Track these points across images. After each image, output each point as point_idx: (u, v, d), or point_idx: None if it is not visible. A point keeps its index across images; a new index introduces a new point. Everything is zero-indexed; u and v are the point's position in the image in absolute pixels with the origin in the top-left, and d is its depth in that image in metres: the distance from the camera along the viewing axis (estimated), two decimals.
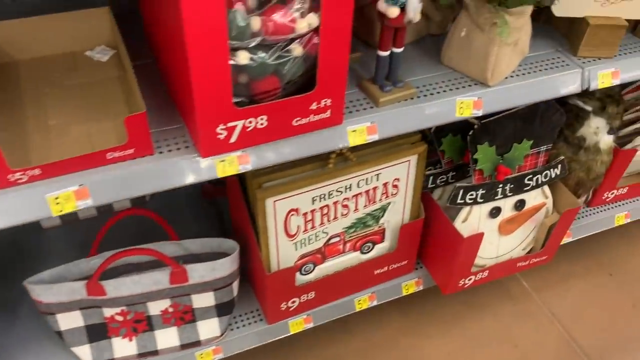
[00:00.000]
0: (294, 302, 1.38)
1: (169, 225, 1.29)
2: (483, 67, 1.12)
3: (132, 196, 0.95)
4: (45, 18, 1.12)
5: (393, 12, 0.95)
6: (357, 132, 1.06)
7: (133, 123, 0.89)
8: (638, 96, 1.64)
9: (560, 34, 1.33)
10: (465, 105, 1.13)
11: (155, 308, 1.29)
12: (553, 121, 1.35)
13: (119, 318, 1.28)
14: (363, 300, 1.49)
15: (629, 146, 1.59)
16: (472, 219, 1.40)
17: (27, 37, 1.13)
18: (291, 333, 1.44)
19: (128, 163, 0.93)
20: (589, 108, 1.42)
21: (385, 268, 1.47)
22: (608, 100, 1.42)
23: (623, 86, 1.66)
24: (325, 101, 0.98)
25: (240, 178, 1.23)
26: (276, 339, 1.43)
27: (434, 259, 1.51)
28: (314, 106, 0.97)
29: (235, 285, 1.32)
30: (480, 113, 1.15)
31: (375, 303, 1.51)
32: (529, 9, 1.09)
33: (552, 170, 1.43)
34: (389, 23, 0.99)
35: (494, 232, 1.46)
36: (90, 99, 1.05)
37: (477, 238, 1.36)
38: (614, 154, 1.59)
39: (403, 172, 1.31)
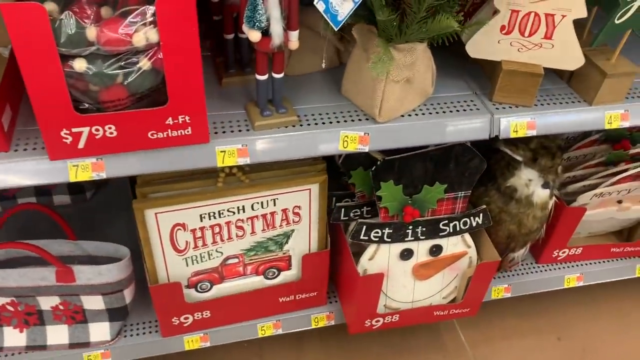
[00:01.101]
0: (187, 318, 1.36)
1: (66, 223, 1.31)
2: (371, 102, 1.08)
3: None
4: None
5: (254, 36, 0.93)
6: (226, 153, 1.05)
7: None
8: (593, 152, 1.54)
9: (487, 77, 1.27)
10: (351, 140, 1.09)
11: (46, 303, 1.30)
12: (470, 167, 1.28)
13: (10, 308, 1.30)
14: (267, 327, 1.45)
15: (574, 204, 1.48)
16: (379, 258, 1.34)
17: None
18: (186, 349, 1.42)
19: None
20: (518, 157, 1.33)
21: (292, 297, 1.43)
22: (542, 151, 1.32)
23: (584, 136, 1.57)
24: (183, 117, 0.97)
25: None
26: (169, 352, 1.42)
27: (343, 295, 1.45)
28: (169, 121, 0.97)
29: (128, 292, 1.32)
30: (366, 149, 1.11)
31: (280, 331, 1.47)
32: (419, 46, 1.04)
33: (472, 218, 1.35)
34: (257, 47, 0.97)
35: (408, 276, 1.40)
36: None
37: (376, 278, 1.30)
38: (560, 210, 1.49)
39: (304, 200, 1.28)
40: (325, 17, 0.90)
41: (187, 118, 0.97)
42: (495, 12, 1.13)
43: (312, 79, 1.23)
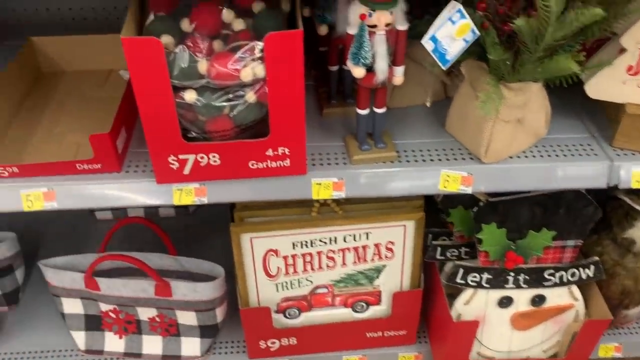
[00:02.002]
0: (273, 342, 1.37)
1: (168, 238, 1.37)
2: (477, 141, 1.03)
3: (94, 207, 1.03)
4: (92, 38, 1.28)
5: (358, 72, 0.92)
6: (322, 185, 1.04)
7: (97, 141, 0.98)
8: None
9: (607, 119, 1.16)
10: (452, 179, 1.04)
11: (144, 314, 1.37)
12: (584, 215, 1.18)
13: (112, 315, 1.38)
14: None
15: None
16: (476, 303, 1.27)
17: (76, 52, 1.29)
18: None
19: (95, 177, 1.02)
20: (639, 208, 1.21)
21: (380, 333, 1.39)
22: None
23: None
24: (283, 149, 0.98)
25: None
26: None
27: (433, 337, 1.39)
28: (269, 152, 0.98)
29: (220, 311, 1.35)
30: (469, 190, 1.05)
31: None
32: (533, 86, 0.97)
33: (582, 269, 1.24)
34: (360, 83, 0.96)
35: (506, 324, 1.31)
36: (100, 113, 1.17)
37: (470, 326, 1.23)
38: None
39: (398, 236, 1.24)
40: (434, 56, 0.87)
41: (286, 150, 0.98)
42: (622, 50, 1.03)
43: (415, 112, 1.19)
